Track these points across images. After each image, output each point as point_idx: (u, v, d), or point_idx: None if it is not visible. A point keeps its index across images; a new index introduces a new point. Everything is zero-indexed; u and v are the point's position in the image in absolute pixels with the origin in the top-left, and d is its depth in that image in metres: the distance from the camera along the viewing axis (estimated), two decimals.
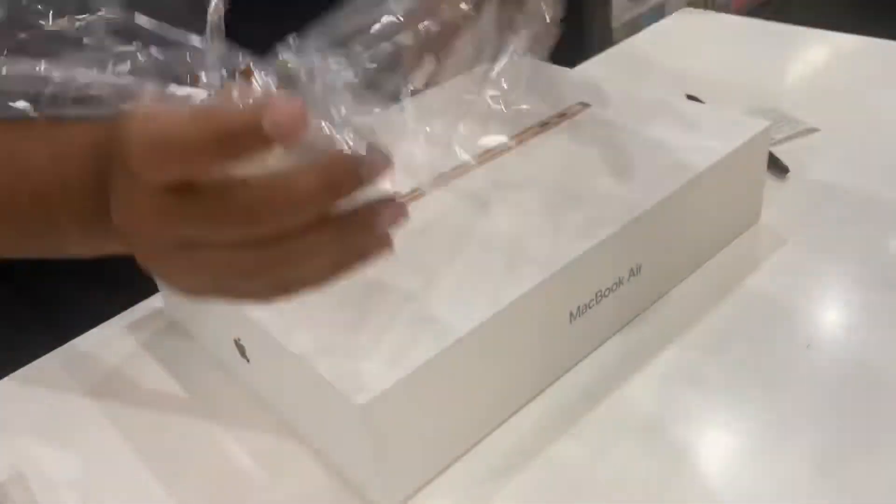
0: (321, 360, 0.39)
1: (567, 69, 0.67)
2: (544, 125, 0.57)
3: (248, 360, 0.47)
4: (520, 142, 0.56)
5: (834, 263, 0.54)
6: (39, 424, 0.50)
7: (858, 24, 0.87)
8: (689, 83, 0.78)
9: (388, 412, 0.38)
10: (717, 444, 0.43)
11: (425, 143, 0.57)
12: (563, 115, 0.58)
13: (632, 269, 0.49)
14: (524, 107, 0.60)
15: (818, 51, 0.85)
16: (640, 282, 0.50)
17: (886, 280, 0.52)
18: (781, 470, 0.41)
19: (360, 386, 0.37)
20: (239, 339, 0.46)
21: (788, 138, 0.67)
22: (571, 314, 0.46)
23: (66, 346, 0.56)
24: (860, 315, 0.50)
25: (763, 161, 0.56)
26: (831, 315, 0.51)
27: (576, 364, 0.48)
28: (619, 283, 0.48)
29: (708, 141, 0.53)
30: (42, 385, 0.53)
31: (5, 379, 0.54)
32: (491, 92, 0.51)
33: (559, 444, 0.44)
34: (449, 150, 0.56)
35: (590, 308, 0.47)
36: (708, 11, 0.97)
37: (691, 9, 0.98)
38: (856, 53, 0.83)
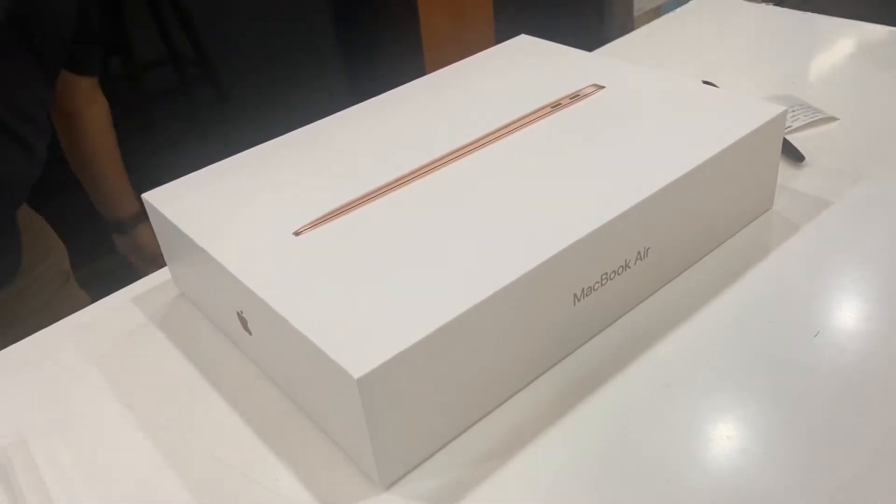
0: (319, 333, 0.39)
1: (583, 52, 0.66)
2: (556, 106, 0.57)
3: (249, 333, 0.47)
4: (531, 121, 0.55)
5: (845, 253, 0.53)
6: (44, 392, 0.50)
7: (889, 16, 0.85)
8: (708, 69, 0.78)
9: (386, 386, 0.38)
10: (722, 431, 0.43)
11: (442, 118, 0.57)
12: (576, 96, 0.58)
13: (639, 253, 0.48)
14: (537, 87, 0.60)
15: (841, 40, 0.83)
16: (648, 265, 0.49)
17: None
18: (786, 457, 0.41)
19: (357, 359, 0.37)
20: (241, 312, 0.46)
21: (806, 126, 0.66)
22: (576, 296, 0.45)
23: (73, 315, 0.56)
24: (870, 305, 0.49)
25: (777, 147, 0.55)
26: (841, 304, 0.50)
27: (579, 347, 0.48)
28: (626, 265, 0.48)
29: (721, 125, 0.52)
30: (48, 354, 0.53)
31: (12, 346, 0.54)
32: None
33: (559, 427, 0.44)
34: (458, 128, 0.55)
35: (595, 290, 0.46)
36: None
37: None
38: (881, 43, 0.81)
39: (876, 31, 0.83)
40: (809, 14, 0.87)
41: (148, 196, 0.53)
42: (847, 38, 0.83)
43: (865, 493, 0.39)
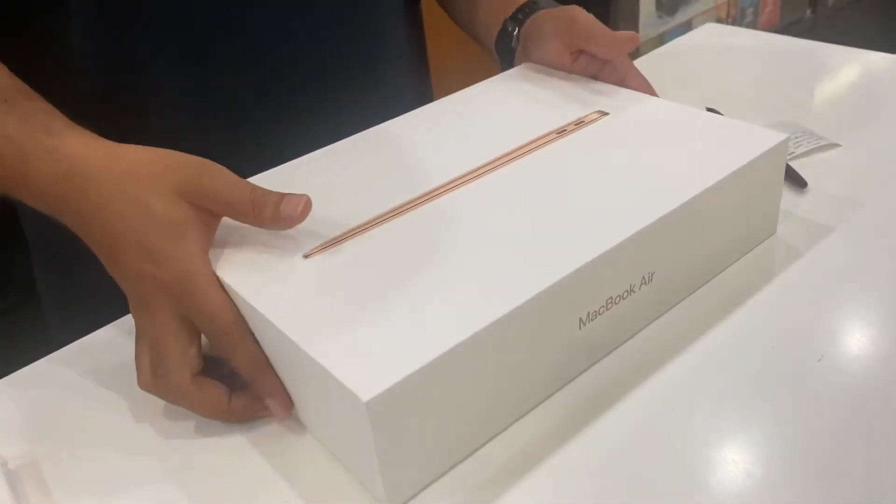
0: (328, 356, 0.39)
1: (587, 78, 0.67)
2: (561, 132, 0.58)
3: None
4: (536, 147, 0.56)
5: (847, 278, 0.54)
6: (55, 414, 0.50)
7: (890, 45, 0.86)
8: (711, 97, 0.78)
9: (394, 409, 0.38)
10: (727, 454, 0.43)
11: (448, 144, 0.58)
12: (580, 123, 0.59)
13: (644, 277, 0.49)
14: (542, 114, 0.61)
15: (844, 68, 0.84)
16: (653, 290, 0.50)
17: None
18: (790, 480, 0.41)
19: (365, 382, 0.37)
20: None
21: (808, 153, 0.67)
22: (581, 320, 0.46)
23: (84, 338, 0.57)
24: (872, 329, 0.50)
25: (780, 173, 0.56)
26: (844, 329, 0.50)
27: (584, 371, 0.49)
28: (631, 290, 0.48)
29: (725, 151, 0.53)
30: (59, 375, 0.54)
31: (23, 369, 0.55)
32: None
33: (565, 451, 0.44)
34: (465, 153, 0.56)
35: (600, 315, 0.47)
36: (733, 27, 0.96)
37: (716, 24, 0.98)
38: (884, 71, 0.82)
39: (878, 60, 0.84)
40: (812, 42, 0.88)
41: None
42: (849, 65, 0.84)
43: None
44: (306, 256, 0.47)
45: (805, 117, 0.73)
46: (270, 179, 0.56)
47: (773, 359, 0.48)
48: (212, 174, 0.46)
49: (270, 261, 0.47)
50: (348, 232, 0.49)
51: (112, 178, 0.45)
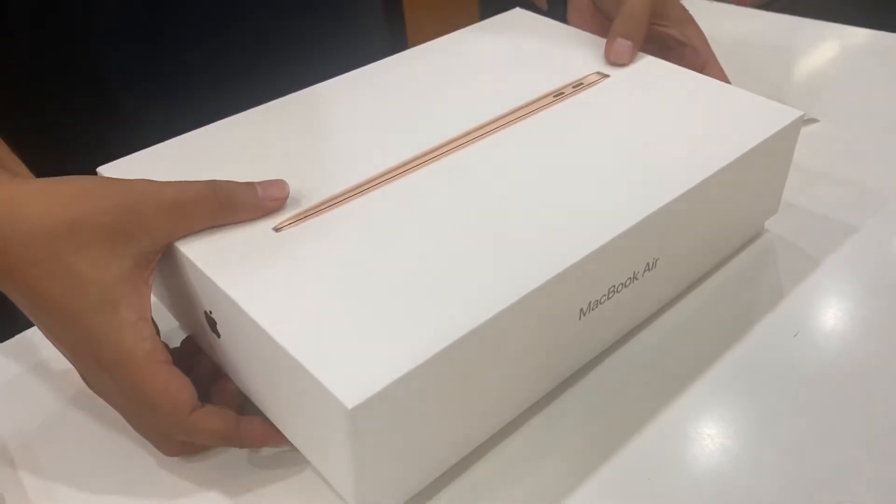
0: (309, 353, 0.34)
1: (583, 32, 0.61)
2: (558, 95, 0.52)
3: (218, 336, 0.42)
4: (532, 112, 0.51)
5: (825, 253, 0.53)
6: (26, 399, 0.46)
7: (872, 23, 0.84)
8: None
9: (379, 417, 0.33)
10: (703, 430, 0.42)
11: (438, 102, 0.52)
12: (579, 85, 0.53)
13: (648, 264, 0.44)
14: (537, 70, 0.55)
15: (823, 43, 0.81)
16: (655, 276, 0.46)
17: (878, 272, 0.51)
18: (766, 455, 0.40)
19: (348, 385, 0.33)
20: (210, 312, 0.41)
21: None
22: (582, 311, 0.42)
23: None
24: (848, 304, 0.49)
25: (791, 151, 0.52)
26: (820, 304, 0.49)
27: (580, 365, 0.45)
28: (634, 277, 0.44)
29: (736, 127, 0.48)
30: (28, 360, 0.49)
31: None
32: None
33: (540, 421, 0.42)
34: (448, 116, 0.50)
35: (601, 304, 0.43)
36: (714, 3, 0.92)
37: None
38: (863, 46, 0.80)
39: (856, 35, 0.82)
40: (790, 17, 0.85)
41: (103, 171, 0.47)
42: (828, 41, 0.81)
43: (845, 492, 0.38)
44: (277, 229, 0.42)
45: (783, 91, 0.72)
46: (234, 127, 0.50)
47: (750, 333, 0.47)
48: (149, 191, 0.38)
49: (237, 232, 0.41)
50: (322, 203, 0.43)
51: (19, 238, 0.35)
